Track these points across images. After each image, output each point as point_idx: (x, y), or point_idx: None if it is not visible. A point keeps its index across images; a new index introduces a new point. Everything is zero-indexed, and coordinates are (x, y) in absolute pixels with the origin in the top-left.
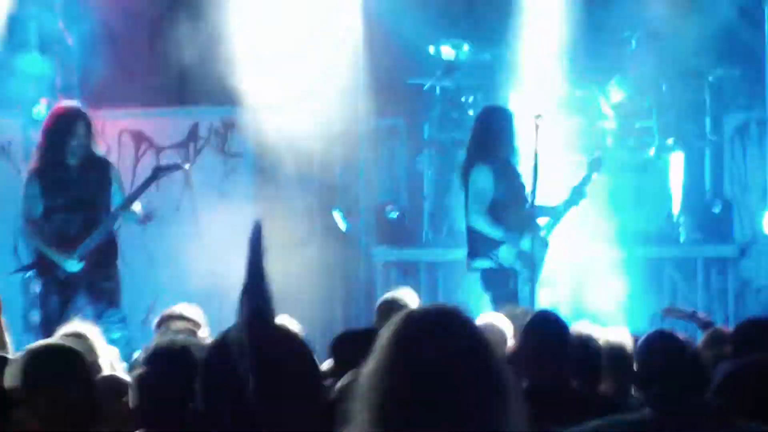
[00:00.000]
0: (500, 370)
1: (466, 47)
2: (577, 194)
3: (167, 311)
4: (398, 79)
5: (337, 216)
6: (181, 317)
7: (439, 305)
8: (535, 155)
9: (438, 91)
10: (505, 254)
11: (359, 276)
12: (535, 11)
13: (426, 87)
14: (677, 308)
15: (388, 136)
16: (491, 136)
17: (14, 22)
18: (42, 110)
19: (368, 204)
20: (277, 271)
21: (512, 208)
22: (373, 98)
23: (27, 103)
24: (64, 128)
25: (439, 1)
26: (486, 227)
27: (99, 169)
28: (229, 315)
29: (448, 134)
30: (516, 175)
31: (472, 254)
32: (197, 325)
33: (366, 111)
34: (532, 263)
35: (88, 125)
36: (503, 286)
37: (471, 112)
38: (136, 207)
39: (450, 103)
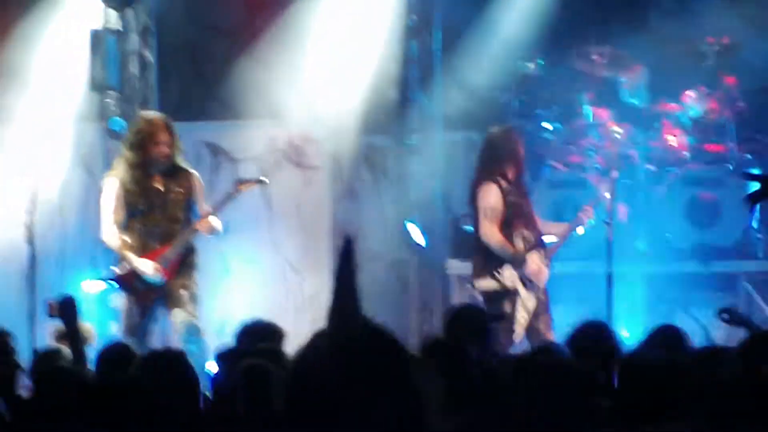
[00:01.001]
0: None
1: (542, 60)
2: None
3: (246, 323)
4: (474, 93)
5: (413, 228)
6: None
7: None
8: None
9: (514, 104)
10: (510, 274)
11: (434, 289)
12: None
13: (502, 101)
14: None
15: (464, 149)
16: (497, 155)
17: (94, 35)
18: (120, 121)
19: (444, 217)
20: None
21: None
22: (451, 111)
23: (105, 114)
24: (147, 138)
25: (518, 14)
26: (497, 244)
27: (182, 180)
28: (302, 326)
29: (525, 147)
30: (523, 195)
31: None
32: (279, 336)
33: (442, 124)
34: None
35: (172, 135)
36: (500, 308)
37: (547, 126)
38: (215, 221)
39: (525, 117)
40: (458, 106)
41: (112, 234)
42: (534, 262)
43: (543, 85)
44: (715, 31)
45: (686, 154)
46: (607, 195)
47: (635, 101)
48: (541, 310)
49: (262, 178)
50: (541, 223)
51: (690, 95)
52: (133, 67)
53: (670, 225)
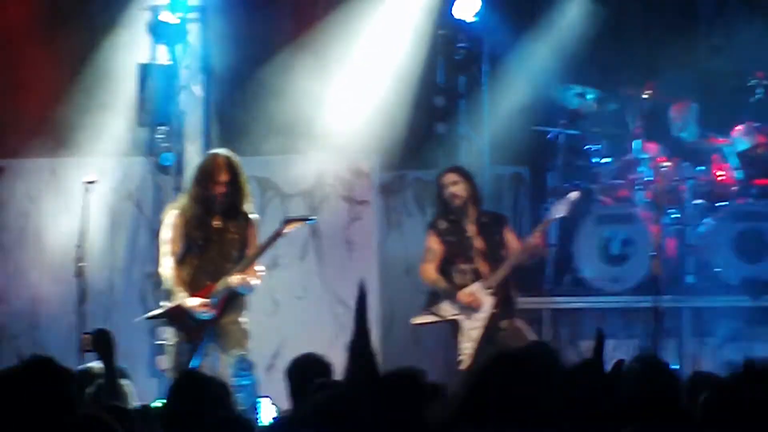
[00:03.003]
0: None
1: (591, 95)
2: None
3: (297, 358)
4: (523, 127)
5: None
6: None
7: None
8: None
9: (562, 139)
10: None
11: None
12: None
13: (551, 135)
14: None
15: (512, 183)
16: (438, 199)
17: (145, 69)
18: (170, 156)
19: None
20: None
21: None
22: (498, 146)
23: (155, 148)
24: (207, 175)
25: (566, 49)
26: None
27: (240, 222)
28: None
29: (572, 183)
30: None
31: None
32: (330, 370)
33: (490, 158)
34: None
35: (233, 175)
36: None
37: (595, 161)
38: (252, 276)
39: (574, 152)
40: (506, 141)
41: (167, 266)
42: (466, 295)
43: (592, 120)
44: (764, 66)
45: (735, 188)
46: (558, 215)
47: (684, 136)
48: (508, 325)
49: (310, 216)
50: (513, 245)
51: (738, 129)
52: (183, 102)
53: (719, 259)
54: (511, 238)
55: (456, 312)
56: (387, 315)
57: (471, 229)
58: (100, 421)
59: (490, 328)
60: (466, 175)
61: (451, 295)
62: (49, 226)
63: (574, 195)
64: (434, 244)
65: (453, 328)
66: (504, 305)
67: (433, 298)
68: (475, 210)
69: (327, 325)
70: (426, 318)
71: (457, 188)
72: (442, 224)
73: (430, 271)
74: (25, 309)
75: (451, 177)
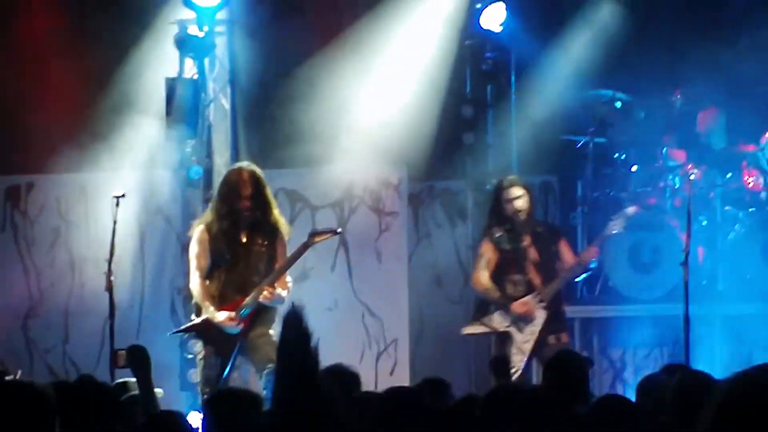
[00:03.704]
0: None
1: (619, 102)
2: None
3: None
4: (551, 136)
5: None
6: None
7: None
8: None
9: (591, 147)
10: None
11: None
12: (686, 67)
13: (579, 144)
14: None
15: (541, 192)
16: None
17: (173, 82)
18: (198, 169)
19: None
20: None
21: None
22: (526, 155)
23: (183, 162)
24: (232, 190)
25: (593, 57)
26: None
27: (267, 235)
28: (383, 371)
29: (602, 191)
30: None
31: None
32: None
33: (519, 168)
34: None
35: (258, 188)
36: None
37: (624, 169)
38: (281, 289)
39: (603, 160)
40: (534, 150)
41: (195, 281)
42: (520, 305)
43: (620, 128)
44: None
45: (764, 194)
46: (614, 230)
47: (713, 143)
48: (554, 341)
49: (337, 229)
50: (567, 257)
51: (767, 136)
52: (211, 115)
53: (749, 266)
54: (565, 250)
55: (508, 324)
56: (416, 326)
57: (526, 239)
58: None
59: (539, 342)
60: (527, 188)
61: (503, 306)
62: (79, 241)
63: (631, 210)
64: (488, 251)
65: (500, 340)
66: (553, 319)
67: (483, 307)
68: (531, 220)
69: (357, 337)
70: (476, 328)
71: (520, 203)
72: (498, 232)
73: (483, 278)
74: (56, 323)
75: (516, 191)
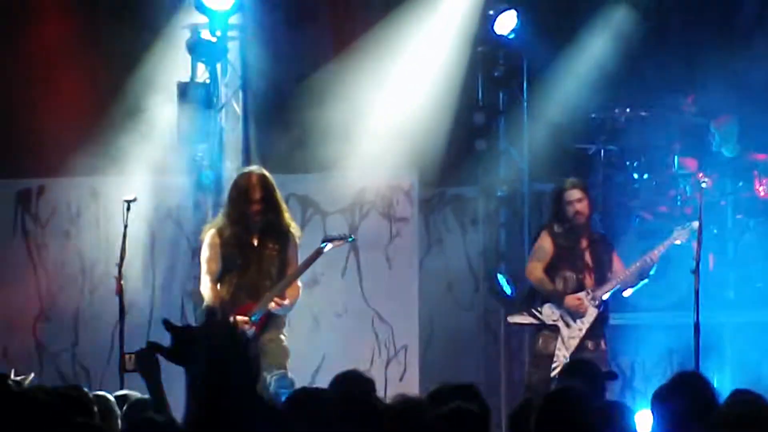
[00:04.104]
0: None
1: (629, 110)
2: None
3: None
4: (563, 144)
5: (501, 280)
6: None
7: None
8: None
9: (602, 155)
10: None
11: (523, 340)
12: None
13: (590, 151)
14: None
15: (552, 199)
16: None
17: (185, 87)
18: (209, 174)
19: None
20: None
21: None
22: (538, 162)
23: (195, 168)
24: (242, 194)
25: (606, 64)
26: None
27: (279, 238)
28: (393, 376)
29: (613, 198)
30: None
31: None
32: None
33: (530, 175)
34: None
35: (268, 192)
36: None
37: (636, 176)
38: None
39: (614, 167)
40: (546, 157)
41: (206, 286)
42: (574, 298)
43: (631, 136)
44: None
45: None
46: (678, 241)
47: (724, 151)
48: (593, 345)
49: (350, 235)
50: (615, 269)
51: None
52: (222, 120)
53: (760, 274)
54: (617, 263)
55: (556, 317)
56: (426, 331)
57: (583, 242)
58: None
59: (579, 343)
60: (587, 191)
61: (556, 298)
62: (90, 244)
63: (695, 224)
64: (546, 243)
65: (545, 333)
66: (599, 323)
67: (531, 298)
68: (588, 225)
69: (368, 342)
70: (524, 318)
71: (581, 205)
72: (558, 228)
73: (537, 269)
74: (66, 326)
75: (576, 194)
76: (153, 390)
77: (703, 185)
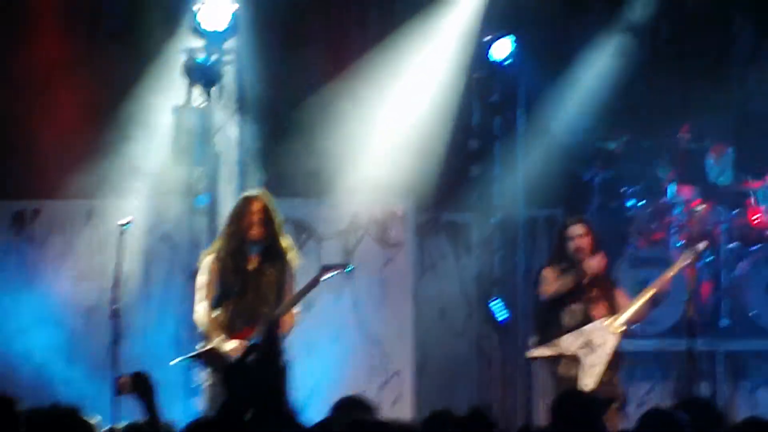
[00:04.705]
0: None
1: (625, 137)
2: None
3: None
4: (558, 170)
5: (496, 306)
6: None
7: None
8: None
9: (597, 181)
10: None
11: (516, 366)
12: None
13: (585, 178)
14: None
15: (546, 226)
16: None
17: (181, 110)
18: (205, 197)
19: (526, 293)
20: (436, 358)
21: None
22: (532, 188)
23: (191, 189)
24: (242, 217)
25: (601, 91)
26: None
27: (277, 263)
28: (387, 402)
29: (608, 225)
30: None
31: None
32: (372, 411)
33: (525, 201)
34: None
35: (268, 215)
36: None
37: (630, 203)
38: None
39: (609, 194)
40: (540, 183)
41: (202, 312)
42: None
43: (627, 163)
44: None
45: None
46: (685, 263)
47: (720, 179)
48: (608, 377)
49: (349, 264)
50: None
51: None
52: (218, 143)
53: (754, 302)
54: (621, 297)
55: (577, 346)
56: (420, 357)
57: (586, 278)
58: None
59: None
60: (590, 226)
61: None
62: (85, 268)
63: (702, 245)
64: (551, 275)
65: (566, 364)
66: (616, 354)
67: (547, 329)
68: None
69: (361, 367)
70: (543, 351)
71: (583, 242)
72: (558, 267)
73: (552, 280)
74: (61, 350)
75: (578, 229)
76: (149, 412)
77: (699, 213)
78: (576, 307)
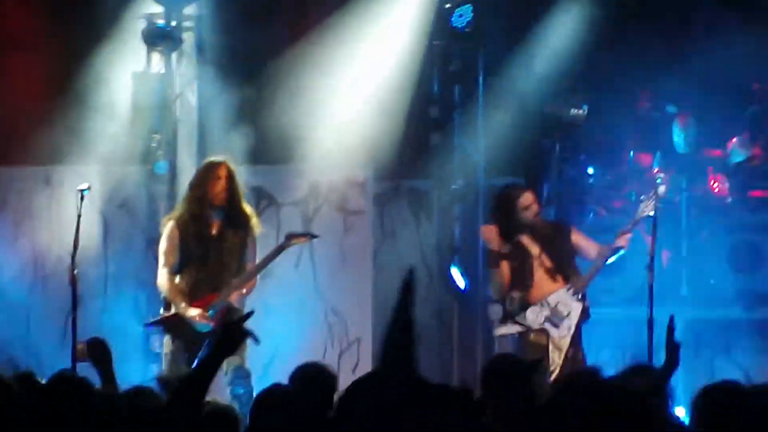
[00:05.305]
0: None
1: (585, 106)
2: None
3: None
4: (518, 138)
5: (456, 273)
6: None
7: None
8: None
9: (557, 150)
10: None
11: (477, 334)
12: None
13: (545, 146)
14: None
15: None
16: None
17: (140, 77)
18: (164, 164)
19: (486, 262)
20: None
21: None
22: (493, 156)
23: (149, 157)
24: (205, 182)
25: (561, 61)
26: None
27: (239, 229)
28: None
29: (567, 193)
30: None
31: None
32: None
33: (485, 169)
34: None
35: (232, 180)
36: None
37: (590, 172)
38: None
39: (569, 163)
40: (501, 151)
41: (163, 278)
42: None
43: (586, 131)
44: (760, 78)
45: (729, 200)
46: (646, 213)
47: (680, 147)
48: (573, 347)
49: (314, 232)
50: (585, 245)
51: (734, 141)
52: (177, 111)
53: (714, 270)
54: (581, 240)
55: (542, 320)
56: (380, 325)
57: (534, 249)
58: None
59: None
60: (536, 193)
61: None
62: (42, 234)
63: (662, 189)
64: (493, 236)
65: (524, 339)
66: (580, 325)
67: (510, 306)
68: (540, 223)
69: (320, 335)
70: (510, 328)
71: (533, 210)
72: (508, 249)
73: (504, 269)
74: (19, 316)
75: (530, 197)
76: (105, 379)
77: (658, 181)
78: (515, 295)
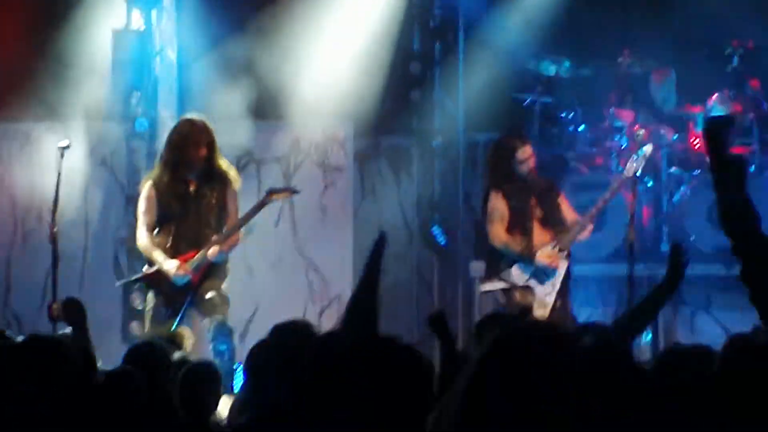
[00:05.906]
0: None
1: (566, 62)
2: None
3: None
4: (498, 94)
5: (436, 230)
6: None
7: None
8: None
9: (538, 106)
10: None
11: (457, 290)
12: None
13: (526, 102)
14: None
15: (486, 150)
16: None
17: (120, 34)
18: (144, 121)
19: (467, 218)
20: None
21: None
22: (473, 113)
23: (130, 114)
24: (184, 140)
25: (541, 17)
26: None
27: (217, 185)
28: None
29: (548, 150)
30: (525, 199)
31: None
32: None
33: (465, 125)
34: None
35: (211, 138)
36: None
37: (571, 128)
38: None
39: (550, 119)
40: (481, 108)
41: (142, 236)
42: (545, 256)
43: (567, 88)
44: (739, 34)
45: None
46: (631, 173)
47: (660, 104)
48: (560, 303)
49: (294, 188)
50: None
51: (714, 98)
52: (157, 68)
53: (694, 227)
54: (565, 205)
55: (528, 277)
56: None
57: (533, 200)
58: None
59: (563, 294)
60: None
61: (527, 258)
62: (22, 191)
63: (648, 149)
64: (500, 205)
65: (508, 295)
66: (566, 275)
67: (496, 262)
68: (536, 178)
69: (301, 292)
70: (495, 284)
71: (529, 164)
72: (511, 189)
73: (501, 232)
74: None
75: (528, 150)
76: (79, 339)
77: (639, 137)
78: (522, 238)
